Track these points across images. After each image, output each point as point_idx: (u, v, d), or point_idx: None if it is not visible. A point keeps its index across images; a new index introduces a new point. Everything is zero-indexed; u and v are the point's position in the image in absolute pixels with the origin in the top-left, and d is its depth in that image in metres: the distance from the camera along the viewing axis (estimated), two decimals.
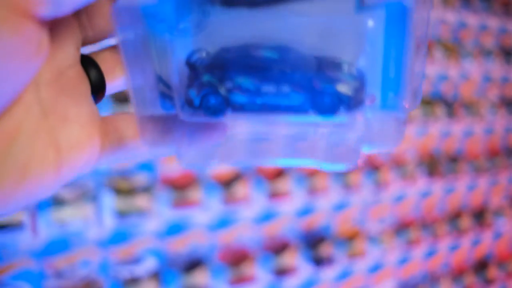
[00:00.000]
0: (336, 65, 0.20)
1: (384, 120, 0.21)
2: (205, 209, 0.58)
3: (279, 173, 0.64)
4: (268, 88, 0.20)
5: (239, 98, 0.20)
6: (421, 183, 0.76)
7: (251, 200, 0.61)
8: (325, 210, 0.66)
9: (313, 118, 0.20)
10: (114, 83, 0.23)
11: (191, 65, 0.20)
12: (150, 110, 0.21)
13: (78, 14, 0.20)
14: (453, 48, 0.82)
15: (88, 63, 0.22)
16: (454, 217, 0.79)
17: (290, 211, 0.64)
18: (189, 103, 0.21)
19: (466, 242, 0.80)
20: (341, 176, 0.68)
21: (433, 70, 0.79)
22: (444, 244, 0.78)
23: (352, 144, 0.21)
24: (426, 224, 0.76)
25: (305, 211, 0.65)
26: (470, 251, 0.81)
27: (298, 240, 0.64)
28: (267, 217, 0.62)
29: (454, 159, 0.80)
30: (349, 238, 0.68)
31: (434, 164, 0.78)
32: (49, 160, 0.19)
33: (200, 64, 0.20)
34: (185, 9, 0.20)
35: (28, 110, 0.18)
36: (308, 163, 0.22)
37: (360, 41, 0.19)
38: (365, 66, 0.20)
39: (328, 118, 0.20)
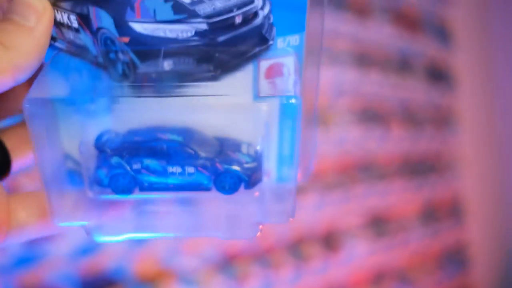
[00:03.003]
0: (236, 146, 0.22)
1: (278, 194, 0.23)
2: None
3: None
4: (174, 168, 0.22)
5: (147, 178, 0.22)
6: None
7: None
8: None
9: (216, 195, 0.22)
10: (21, 160, 0.24)
11: (100, 147, 0.22)
12: (58, 187, 0.22)
13: None
14: None
15: None
16: (296, 244, 0.69)
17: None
18: (98, 182, 0.22)
19: (311, 271, 0.71)
20: None
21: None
22: (284, 276, 0.67)
23: (251, 219, 0.23)
24: (260, 256, 0.65)
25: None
26: (317, 280, 0.71)
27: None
28: None
29: None
30: (151, 280, 0.54)
31: None
32: None
33: (109, 146, 0.22)
34: (95, 94, 0.21)
35: None
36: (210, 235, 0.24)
37: (257, 124, 0.22)
38: (262, 145, 0.22)
39: (229, 195, 0.22)
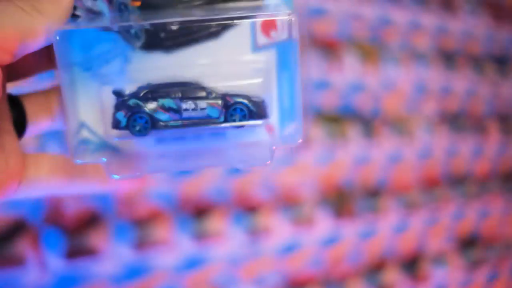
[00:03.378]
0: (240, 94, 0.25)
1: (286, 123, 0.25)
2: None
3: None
4: (188, 104, 0.24)
5: (163, 116, 0.24)
6: (323, 227, 0.57)
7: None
8: None
9: (227, 128, 0.24)
10: (36, 126, 0.27)
11: (118, 93, 0.24)
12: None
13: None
14: (370, 50, 0.64)
15: (13, 103, 0.26)
16: (374, 269, 0.61)
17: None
18: (116, 124, 0.24)
19: None
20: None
21: (342, 78, 0.62)
22: None
23: (264, 145, 0.25)
24: (333, 282, 0.57)
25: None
26: None
27: None
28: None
29: (374, 193, 0.62)
30: None
31: (343, 201, 0.59)
32: None
33: (126, 92, 0.24)
34: (108, 56, 0.24)
35: None
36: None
37: (257, 76, 0.24)
38: (264, 93, 0.25)
39: (240, 125, 0.24)
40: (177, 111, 0.24)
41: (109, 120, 0.24)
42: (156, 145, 0.25)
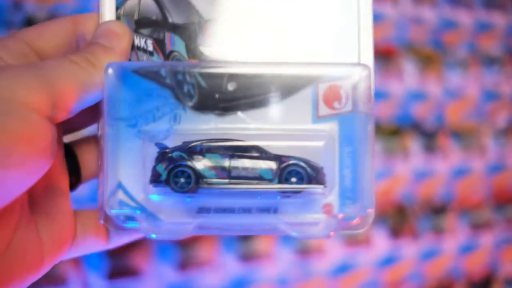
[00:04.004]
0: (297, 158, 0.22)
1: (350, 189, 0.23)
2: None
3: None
4: (238, 162, 0.22)
5: (209, 173, 0.21)
6: (381, 246, 0.54)
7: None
8: None
9: (280, 188, 0.22)
10: (91, 174, 0.26)
11: (161, 145, 0.22)
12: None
13: None
14: (432, 56, 0.60)
15: (66, 153, 0.25)
16: None
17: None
18: (155, 178, 0.22)
19: None
20: None
21: (400, 86, 0.58)
22: None
23: (326, 223, 0.22)
24: None
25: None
26: None
27: None
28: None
29: (437, 210, 0.57)
30: None
31: (402, 219, 0.55)
32: (37, 256, 0.21)
33: (169, 147, 0.22)
34: (158, 114, 0.22)
35: (23, 206, 0.21)
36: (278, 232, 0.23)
37: (317, 149, 0.22)
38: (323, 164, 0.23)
39: (296, 190, 0.22)
40: (225, 168, 0.22)
41: (148, 177, 0.22)
42: (197, 215, 0.23)
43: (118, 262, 0.44)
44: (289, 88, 0.23)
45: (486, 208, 0.60)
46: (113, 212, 0.23)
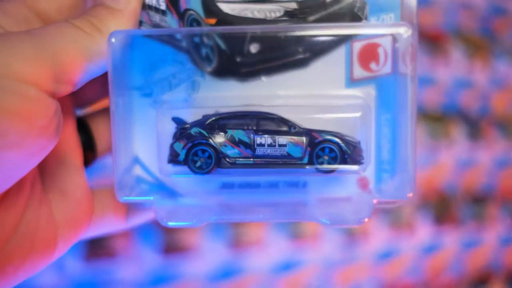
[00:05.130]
0: (331, 132, 0.20)
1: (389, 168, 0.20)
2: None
3: None
4: (263, 139, 0.19)
5: (231, 151, 0.19)
6: (423, 233, 0.53)
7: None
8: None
9: (311, 170, 0.19)
10: (107, 146, 0.24)
11: (178, 120, 0.20)
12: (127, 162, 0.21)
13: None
14: (480, 43, 0.59)
15: (79, 126, 0.23)
16: (477, 283, 0.56)
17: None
18: (172, 157, 0.20)
19: None
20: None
21: (447, 73, 0.57)
22: None
23: (360, 199, 0.20)
24: None
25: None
26: None
27: None
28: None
29: (479, 200, 0.57)
30: None
31: (445, 207, 0.55)
32: (50, 237, 0.19)
33: (187, 121, 0.20)
34: (175, 81, 0.20)
35: (33, 185, 0.19)
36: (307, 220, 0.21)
37: (353, 111, 0.19)
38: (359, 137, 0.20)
39: (328, 170, 0.19)
40: (249, 146, 0.19)
41: (165, 153, 0.20)
42: (220, 191, 0.21)
43: (172, 238, 0.43)
44: (319, 48, 0.19)
45: None
46: (127, 189, 0.21)
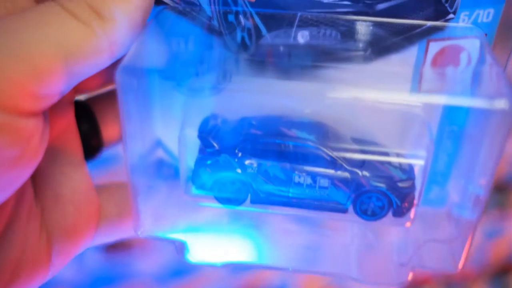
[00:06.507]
0: (383, 154, 0.17)
1: (440, 227, 0.17)
2: None
3: None
4: (302, 178, 0.16)
5: (263, 187, 0.17)
6: None
7: None
8: None
9: (352, 219, 0.17)
10: (113, 134, 0.20)
11: (204, 138, 0.17)
12: (144, 181, 0.17)
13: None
14: None
15: (80, 112, 0.19)
16: (499, 273, 0.54)
17: None
18: (197, 184, 0.17)
19: None
20: None
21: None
22: None
23: (398, 259, 0.17)
24: (454, 284, 0.52)
25: None
26: None
27: None
28: None
29: (501, 188, 0.55)
30: None
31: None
32: (41, 253, 0.16)
33: (216, 138, 0.17)
34: (202, 67, 0.17)
35: (21, 198, 0.15)
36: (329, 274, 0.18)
37: (411, 128, 0.16)
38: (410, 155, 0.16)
39: (371, 222, 0.17)
40: (285, 183, 0.17)
41: (189, 168, 0.18)
42: (252, 227, 0.19)
43: None
44: (386, 44, 0.16)
45: None
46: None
